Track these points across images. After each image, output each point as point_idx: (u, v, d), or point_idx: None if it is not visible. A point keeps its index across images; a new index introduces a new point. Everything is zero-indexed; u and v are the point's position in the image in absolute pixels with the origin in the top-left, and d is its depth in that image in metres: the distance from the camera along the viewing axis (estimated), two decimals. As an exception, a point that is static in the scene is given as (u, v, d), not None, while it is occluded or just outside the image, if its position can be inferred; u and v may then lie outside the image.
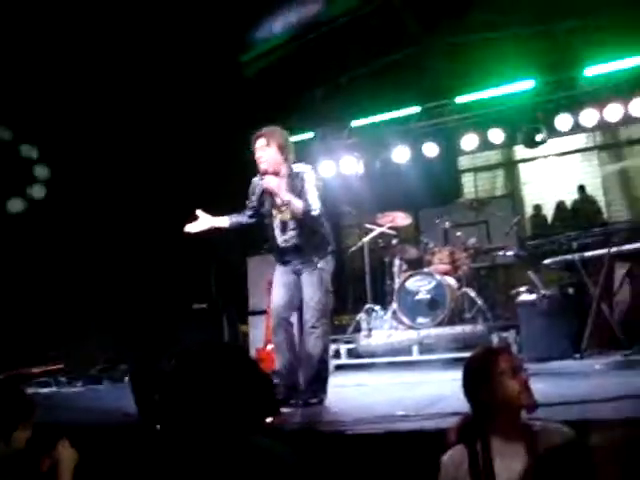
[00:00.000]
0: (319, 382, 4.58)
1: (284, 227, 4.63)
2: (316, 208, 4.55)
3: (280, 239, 4.66)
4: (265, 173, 4.58)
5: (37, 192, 8.01)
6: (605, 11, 7.06)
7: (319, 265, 4.60)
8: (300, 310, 4.69)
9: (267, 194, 4.63)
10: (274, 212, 4.66)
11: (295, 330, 4.82)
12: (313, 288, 4.58)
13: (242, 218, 4.83)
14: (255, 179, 4.77)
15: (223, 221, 4.80)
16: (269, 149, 4.61)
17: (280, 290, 4.67)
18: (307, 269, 4.60)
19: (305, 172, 4.66)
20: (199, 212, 4.73)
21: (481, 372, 2.45)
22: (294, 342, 4.68)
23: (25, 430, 2.58)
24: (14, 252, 7.35)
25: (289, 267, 4.68)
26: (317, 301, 4.57)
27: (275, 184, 4.50)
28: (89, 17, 6.99)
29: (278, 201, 4.56)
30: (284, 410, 4.26)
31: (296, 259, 4.63)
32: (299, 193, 4.55)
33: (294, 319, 4.84)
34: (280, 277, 4.71)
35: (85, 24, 7.08)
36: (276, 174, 4.60)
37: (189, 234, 4.70)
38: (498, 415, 2.41)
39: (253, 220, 4.82)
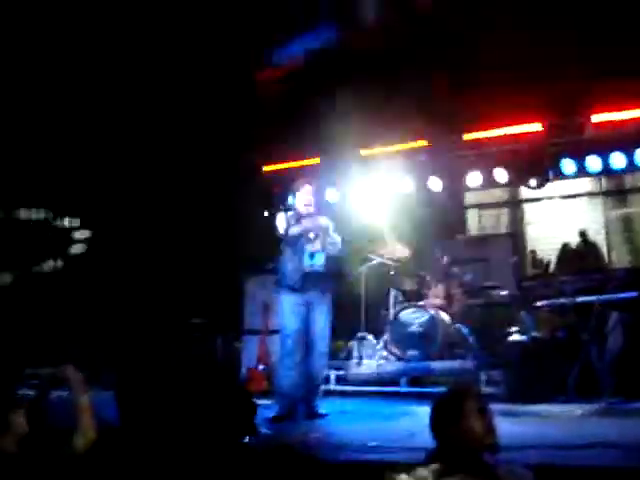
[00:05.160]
0: (319, 399, 5.31)
1: (312, 256, 5.31)
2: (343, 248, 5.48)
3: (307, 265, 5.28)
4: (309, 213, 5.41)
5: None
6: (615, 61, 7.16)
7: (330, 297, 5.35)
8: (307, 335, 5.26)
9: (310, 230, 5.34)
10: (306, 244, 5.34)
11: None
12: (324, 318, 5.30)
13: None
14: (286, 215, 5.50)
15: None
16: (312, 197, 5.48)
17: (293, 317, 5.23)
18: (319, 300, 5.27)
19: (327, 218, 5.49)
20: None
21: (448, 412, 2.51)
22: (304, 363, 5.20)
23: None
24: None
25: (301, 298, 5.23)
26: (327, 329, 5.30)
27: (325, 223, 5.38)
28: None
29: (312, 235, 5.33)
30: (263, 431, 4.32)
31: (312, 289, 5.24)
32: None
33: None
34: (290, 306, 5.26)
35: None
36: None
37: None
38: (462, 454, 2.46)
39: None
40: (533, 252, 9.90)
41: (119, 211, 8.65)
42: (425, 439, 3.44)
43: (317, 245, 5.34)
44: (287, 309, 5.27)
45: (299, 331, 5.19)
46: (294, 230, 5.34)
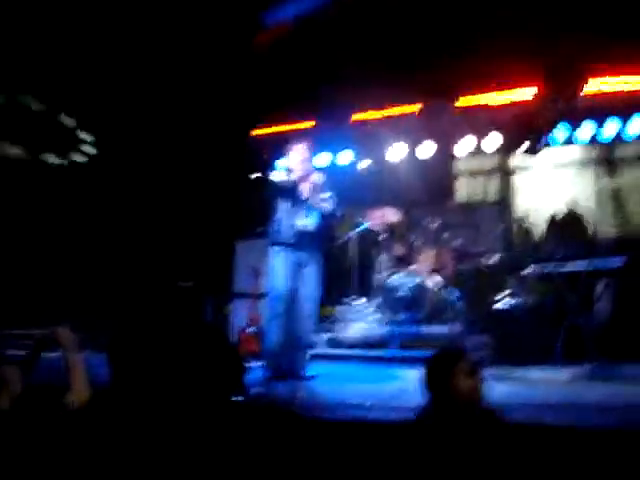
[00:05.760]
0: (307, 361, 5.34)
1: (306, 214, 5.30)
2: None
3: (300, 223, 5.26)
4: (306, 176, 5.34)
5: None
6: (613, 29, 7.11)
7: (321, 259, 5.36)
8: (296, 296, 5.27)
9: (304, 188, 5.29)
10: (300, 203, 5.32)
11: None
12: (315, 281, 5.31)
13: None
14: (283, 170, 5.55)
15: None
16: (307, 154, 5.46)
17: (283, 277, 5.21)
18: (310, 261, 5.27)
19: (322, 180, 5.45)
20: None
21: (441, 372, 2.61)
22: (292, 325, 5.22)
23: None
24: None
25: (293, 255, 5.21)
26: (317, 292, 5.33)
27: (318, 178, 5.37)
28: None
29: (306, 194, 5.27)
30: (254, 390, 4.38)
31: (304, 249, 5.24)
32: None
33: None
34: (282, 265, 5.24)
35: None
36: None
37: None
38: (452, 409, 2.56)
39: None
40: (522, 220, 9.95)
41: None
42: (413, 400, 3.52)
43: (311, 202, 5.31)
44: (278, 268, 5.25)
45: (288, 292, 5.18)
46: (293, 175, 5.35)
